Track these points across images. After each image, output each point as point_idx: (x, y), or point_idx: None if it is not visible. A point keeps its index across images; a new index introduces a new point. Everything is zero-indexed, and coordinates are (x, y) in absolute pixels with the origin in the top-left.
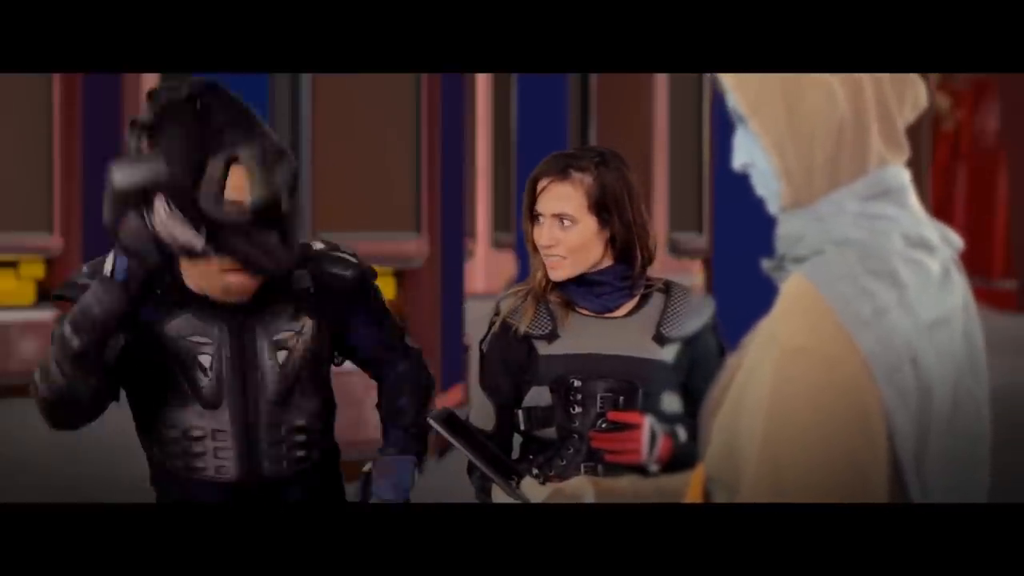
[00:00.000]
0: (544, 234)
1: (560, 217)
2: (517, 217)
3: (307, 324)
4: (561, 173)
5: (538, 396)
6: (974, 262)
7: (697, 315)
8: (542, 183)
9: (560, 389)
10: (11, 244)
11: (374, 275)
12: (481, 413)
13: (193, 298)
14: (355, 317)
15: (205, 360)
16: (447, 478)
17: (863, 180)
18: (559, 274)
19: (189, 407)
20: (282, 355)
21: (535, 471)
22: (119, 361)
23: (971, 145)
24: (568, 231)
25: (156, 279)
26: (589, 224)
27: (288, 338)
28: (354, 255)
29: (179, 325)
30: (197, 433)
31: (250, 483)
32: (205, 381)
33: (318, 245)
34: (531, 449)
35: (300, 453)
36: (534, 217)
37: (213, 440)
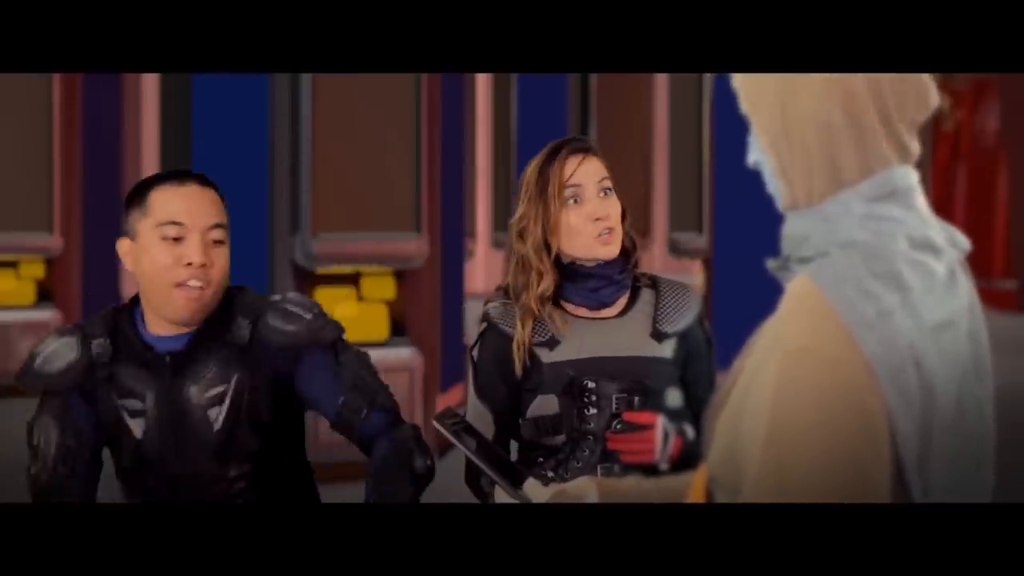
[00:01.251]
0: (599, 206)
1: (603, 187)
2: None
3: (239, 377)
4: (589, 149)
5: (544, 405)
6: (974, 262)
7: (688, 309)
8: (576, 158)
9: (574, 391)
10: (11, 244)
11: (340, 330)
12: (478, 421)
13: (126, 358)
14: (302, 373)
15: (137, 423)
16: (447, 478)
17: (869, 181)
18: (614, 248)
19: (135, 461)
20: (214, 411)
21: (551, 474)
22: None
23: (971, 145)
24: (611, 200)
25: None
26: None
27: (219, 393)
28: (313, 309)
29: (112, 390)
30: (150, 484)
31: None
32: (142, 441)
33: (274, 297)
34: (538, 454)
35: (245, 495)
36: (565, 199)
37: (160, 494)
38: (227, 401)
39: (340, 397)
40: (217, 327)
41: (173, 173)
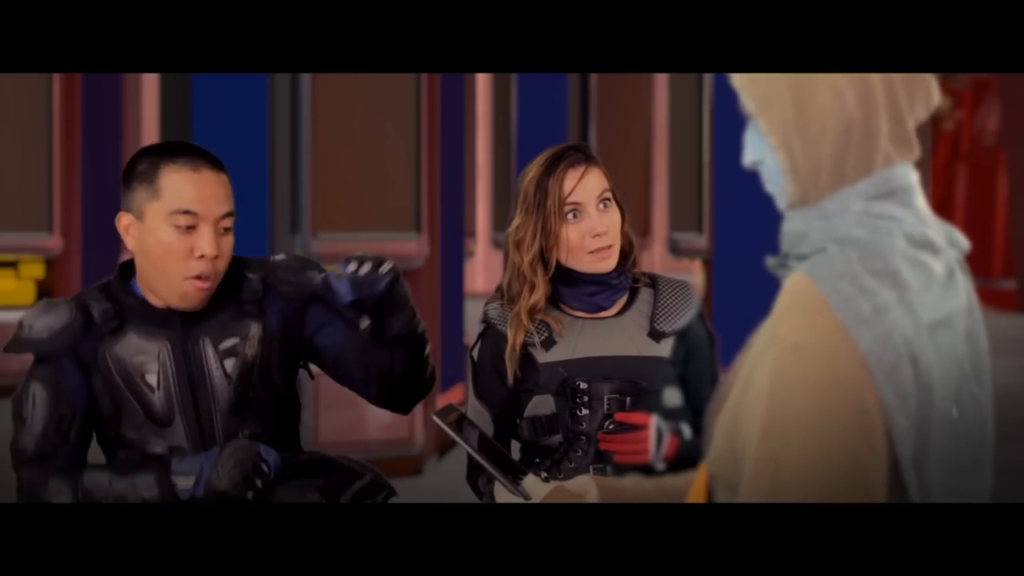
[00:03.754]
0: (599, 221)
1: (602, 199)
2: None
3: (253, 328)
4: (589, 159)
5: (541, 405)
6: (974, 262)
7: (687, 307)
8: (575, 172)
9: (566, 392)
10: (11, 244)
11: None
12: (478, 421)
13: (132, 317)
14: (314, 320)
15: (151, 379)
16: (447, 478)
17: (869, 179)
18: (611, 263)
19: (143, 427)
20: (230, 363)
21: (544, 475)
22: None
23: (971, 145)
24: (611, 212)
25: (94, 313)
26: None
27: (234, 345)
28: (318, 263)
29: (120, 349)
30: (157, 451)
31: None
32: (154, 399)
33: (277, 256)
34: (536, 454)
35: None
36: (564, 214)
37: (172, 457)
38: (242, 352)
39: (347, 330)
40: (225, 286)
41: (182, 151)
